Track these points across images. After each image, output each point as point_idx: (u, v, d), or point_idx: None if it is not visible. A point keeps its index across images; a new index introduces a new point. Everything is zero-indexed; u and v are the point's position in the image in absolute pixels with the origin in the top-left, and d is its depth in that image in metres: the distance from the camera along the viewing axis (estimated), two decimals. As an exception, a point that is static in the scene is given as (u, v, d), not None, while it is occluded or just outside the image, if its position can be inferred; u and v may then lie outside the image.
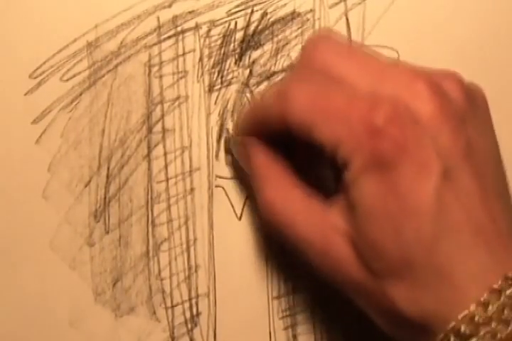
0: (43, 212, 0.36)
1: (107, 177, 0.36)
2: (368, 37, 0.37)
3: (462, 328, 0.27)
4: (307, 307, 0.37)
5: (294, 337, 0.37)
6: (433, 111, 0.29)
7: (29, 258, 0.36)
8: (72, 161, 0.36)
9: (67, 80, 0.36)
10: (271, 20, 0.37)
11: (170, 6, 0.36)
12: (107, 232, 0.36)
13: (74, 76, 0.36)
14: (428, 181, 0.28)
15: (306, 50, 0.32)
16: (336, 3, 0.37)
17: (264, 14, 0.37)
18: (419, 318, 0.28)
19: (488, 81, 0.37)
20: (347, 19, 0.37)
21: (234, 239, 0.37)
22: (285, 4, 0.37)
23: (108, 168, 0.36)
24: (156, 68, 0.36)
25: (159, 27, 0.36)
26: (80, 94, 0.36)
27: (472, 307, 0.27)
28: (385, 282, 0.29)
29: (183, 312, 0.37)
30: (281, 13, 0.37)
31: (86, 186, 0.36)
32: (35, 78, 0.36)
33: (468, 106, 0.30)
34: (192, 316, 0.37)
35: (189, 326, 0.37)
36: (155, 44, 0.36)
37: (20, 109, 0.36)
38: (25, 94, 0.36)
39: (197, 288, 0.37)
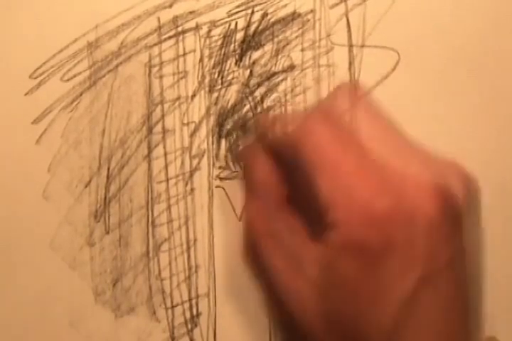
0: (44, 212, 0.36)
1: (107, 177, 0.36)
2: (368, 38, 0.37)
3: None
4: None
5: (294, 337, 0.37)
6: (433, 215, 0.29)
7: (29, 258, 0.36)
8: (72, 161, 0.36)
9: (68, 80, 0.36)
10: (271, 20, 0.37)
11: (170, 6, 0.36)
12: (107, 232, 0.36)
13: (74, 76, 0.36)
14: (408, 281, 0.28)
15: (340, 93, 0.33)
16: (337, 4, 0.37)
17: (265, 15, 0.37)
18: None
19: (489, 81, 0.38)
20: (347, 20, 0.37)
21: (234, 239, 0.37)
22: (285, 5, 0.37)
23: (108, 168, 0.36)
24: (156, 68, 0.36)
25: (160, 27, 0.36)
26: (81, 94, 0.36)
27: None
28: None
29: (183, 313, 0.37)
30: (281, 13, 0.37)
31: (86, 186, 0.36)
32: (35, 78, 0.36)
33: (466, 204, 0.30)
34: (192, 316, 0.37)
35: (189, 326, 0.37)
36: (155, 44, 0.36)
37: (21, 109, 0.36)
38: (26, 94, 0.36)
39: (197, 289, 0.37)
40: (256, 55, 0.37)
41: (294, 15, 0.37)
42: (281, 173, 0.33)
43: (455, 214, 0.29)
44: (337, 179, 0.29)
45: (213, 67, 0.37)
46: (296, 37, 0.37)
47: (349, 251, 0.29)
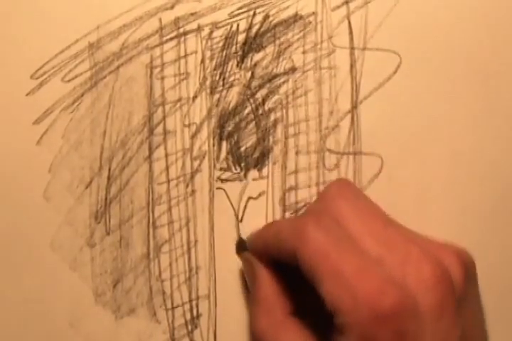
0: (44, 212, 0.36)
1: (108, 178, 0.36)
2: (369, 40, 0.37)
3: None
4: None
5: (294, 339, 0.37)
6: (435, 302, 0.30)
7: (30, 259, 0.36)
8: (73, 162, 0.36)
9: (69, 81, 0.36)
10: (273, 22, 0.37)
11: (172, 7, 0.36)
12: (108, 233, 0.36)
13: (75, 77, 0.36)
14: None
15: (328, 195, 0.33)
16: (338, 6, 0.37)
17: (266, 16, 0.37)
18: None
19: (491, 84, 0.38)
20: (349, 22, 0.37)
21: (234, 240, 0.37)
22: (287, 7, 0.37)
23: (109, 169, 0.36)
24: (157, 70, 0.36)
25: (161, 28, 0.36)
26: (82, 95, 0.36)
27: None
28: None
29: (184, 314, 0.37)
30: (283, 15, 0.37)
31: (87, 187, 0.36)
32: (36, 79, 0.36)
33: (466, 285, 0.31)
34: (192, 318, 0.37)
35: (189, 328, 0.37)
36: (157, 45, 0.36)
37: (22, 109, 0.36)
38: (27, 95, 0.36)
39: (197, 290, 0.37)
40: (257, 56, 0.37)
41: (296, 18, 0.37)
42: (283, 283, 0.34)
43: (457, 298, 0.30)
44: (340, 283, 0.30)
45: (215, 69, 0.37)
46: (298, 39, 0.37)
47: None
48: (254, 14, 0.37)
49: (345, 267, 0.30)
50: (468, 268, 0.32)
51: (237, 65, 0.37)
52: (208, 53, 0.36)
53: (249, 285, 0.35)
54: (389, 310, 0.29)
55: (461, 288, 0.31)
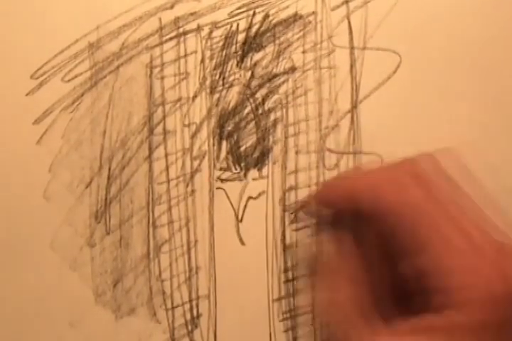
0: (44, 212, 0.36)
1: (108, 178, 0.36)
2: (369, 40, 0.37)
3: None
4: (308, 309, 0.37)
5: (295, 339, 0.37)
6: None
7: (30, 259, 0.36)
8: (73, 162, 0.36)
9: (69, 81, 0.36)
10: (273, 22, 0.37)
11: (172, 7, 0.36)
12: (108, 233, 0.36)
13: (75, 77, 0.36)
14: None
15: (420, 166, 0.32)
16: (338, 6, 0.37)
17: (266, 16, 0.37)
18: None
19: (491, 83, 0.38)
20: (349, 22, 0.37)
21: (234, 240, 0.37)
22: (287, 6, 0.37)
23: (109, 169, 0.36)
24: (157, 69, 0.36)
25: (161, 28, 0.36)
26: (82, 95, 0.36)
27: None
28: None
29: (184, 314, 0.37)
30: (283, 15, 0.37)
31: (87, 187, 0.36)
32: (36, 79, 0.36)
33: None
34: (192, 318, 0.37)
35: (189, 327, 0.37)
36: (157, 45, 0.36)
37: (22, 109, 0.36)
38: (27, 95, 0.36)
39: (197, 290, 0.37)
40: (257, 56, 0.37)
41: (296, 17, 0.37)
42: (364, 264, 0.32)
43: None
44: (452, 258, 0.29)
45: (214, 69, 0.37)
46: (298, 39, 0.37)
47: (475, 331, 0.28)
48: (254, 14, 0.37)
49: (459, 241, 0.29)
50: None
51: (237, 65, 0.37)
52: (208, 53, 0.36)
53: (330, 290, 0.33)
54: (503, 295, 0.28)
55: None
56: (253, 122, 0.37)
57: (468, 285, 0.28)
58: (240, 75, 0.37)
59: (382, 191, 0.30)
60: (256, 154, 0.37)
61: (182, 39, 0.36)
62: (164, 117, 0.36)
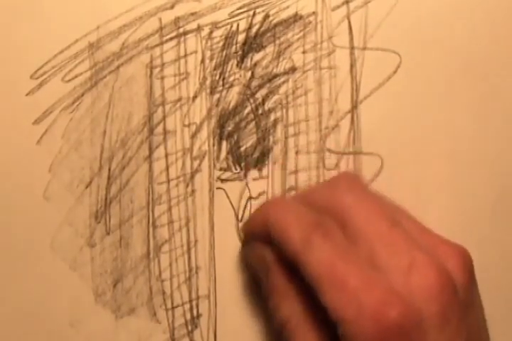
0: (44, 212, 0.36)
1: (108, 178, 0.36)
2: (370, 40, 0.37)
3: None
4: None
5: (295, 339, 0.37)
6: (440, 310, 0.29)
7: (30, 259, 0.36)
8: (73, 162, 0.36)
9: (69, 81, 0.36)
10: (273, 22, 0.37)
11: (172, 7, 0.36)
12: (108, 233, 0.36)
13: (75, 77, 0.36)
14: None
15: (336, 190, 0.33)
16: (339, 6, 0.37)
17: (267, 16, 0.37)
18: None
19: (491, 84, 0.38)
20: (349, 22, 0.37)
21: (234, 240, 0.37)
22: (287, 6, 0.37)
23: (109, 169, 0.36)
24: (157, 69, 0.36)
25: (161, 28, 0.36)
26: (82, 95, 0.36)
27: None
28: None
29: (184, 314, 0.37)
30: (283, 15, 0.37)
31: (87, 187, 0.36)
32: (36, 78, 0.35)
33: (469, 290, 0.31)
34: (192, 318, 0.37)
35: (189, 328, 0.37)
36: (157, 45, 0.36)
37: (22, 109, 0.35)
38: (27, 95, 0.36)
39: (197, 290, 0.37)
40: (257, 56, 0.37)
41: (296, 17, 0.37)
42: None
43: (461, 304, 0.30)
44: (344, 294, 0.29)
45: (215, 69, 0.37)
46: (298, 39, 0.37)
47: None
48: (254, 14, 0.37)
49: (350, 278, 0.30)
50: (471, 270, 0.32)
51: (237, 65, 0.37)
52: (208, 53, 0.36)
53: (261, 276, 0.35)
54: (393, 321, 0.29)
55: (465, 293, 0.31)
56: (253, 122, 0.37)
57: (356, 318, 0.29)
58: (240, 75, 0.37)
59: (288, 232, 0.32)
60: (256, 154, 0.37)
61: (182, 39, 0.36)
62: (164, 117, 0.36)
